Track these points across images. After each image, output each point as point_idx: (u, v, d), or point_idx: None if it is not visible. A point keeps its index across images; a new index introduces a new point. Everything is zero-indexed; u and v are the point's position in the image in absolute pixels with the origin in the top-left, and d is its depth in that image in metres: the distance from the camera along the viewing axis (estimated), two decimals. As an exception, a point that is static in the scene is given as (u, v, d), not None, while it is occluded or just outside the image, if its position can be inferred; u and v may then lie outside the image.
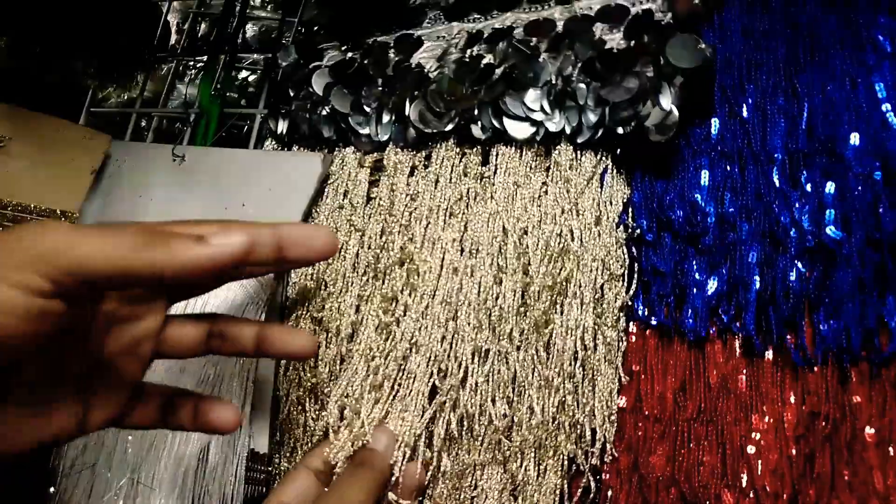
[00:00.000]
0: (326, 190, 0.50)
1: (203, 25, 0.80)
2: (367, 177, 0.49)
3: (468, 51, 0.48)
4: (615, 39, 0.45)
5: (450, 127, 0.46)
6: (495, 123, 0.45)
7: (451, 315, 0.42)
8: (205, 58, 0.69)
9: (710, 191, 0.42)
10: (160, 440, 0.42)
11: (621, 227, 0.43)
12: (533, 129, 0.44)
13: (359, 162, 0.50)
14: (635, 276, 0.42)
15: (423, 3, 0.53)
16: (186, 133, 0.63)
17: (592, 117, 0.43)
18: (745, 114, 0.43)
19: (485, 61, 0.47)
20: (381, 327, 0.44)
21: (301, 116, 0.52)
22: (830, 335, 0.38)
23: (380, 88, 0.49)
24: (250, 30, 0.79)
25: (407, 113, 0.47)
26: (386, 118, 0.49)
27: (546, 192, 0.44)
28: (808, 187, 0.40)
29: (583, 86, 0.43)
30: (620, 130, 0.42)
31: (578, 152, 0.44)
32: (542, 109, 0.44)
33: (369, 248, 0.46)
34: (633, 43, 0.44)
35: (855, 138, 0.41)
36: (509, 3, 0.49)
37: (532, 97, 0.44)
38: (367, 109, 0.49)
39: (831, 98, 0.42)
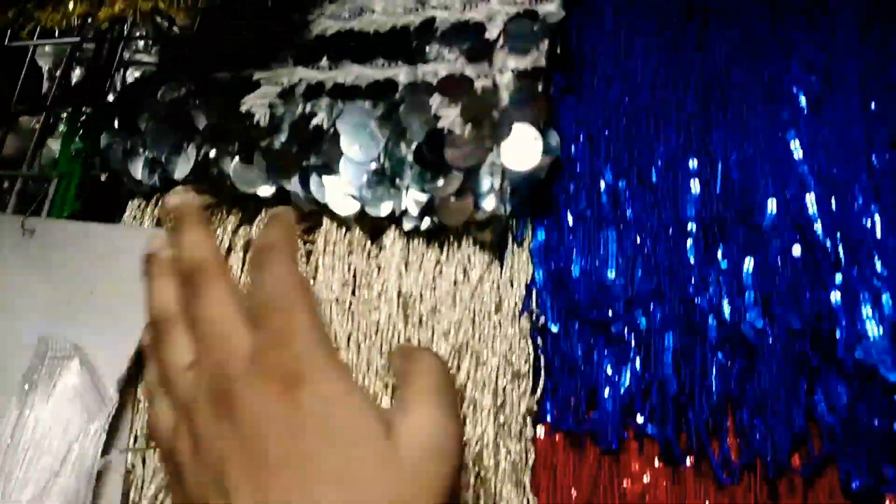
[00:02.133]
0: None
1: (79, 71, 0.71)
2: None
3: (303, 105, 0.42)
4: (451, 117, 0.38)
5: (270, 192, 0.41)
6: (316, 197, 0.40)
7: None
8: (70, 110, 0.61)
9: (618, 269, 0.37)
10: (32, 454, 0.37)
11: (524, 314, 0.38)
12: (359, 206, 0.39)
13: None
14: (542, 372, 0.37)
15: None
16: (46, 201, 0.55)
17: (415, 208, 0.38)
18: (654, 179, 0.39)
19: (315, 121, 0.41)
20: None
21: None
22: (756, 439, 0.33)
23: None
24: (130, 77, 0.70)
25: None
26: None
27: (440, 273, 0.39)
28: (725, 264, 0.36)
29: (409, 169, 0.38)
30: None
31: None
32: (364, 187, 0.39)
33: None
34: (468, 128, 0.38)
35: (772, 205, 0.36)
36: (362, 55, 0.42)
37: (352, 173, 0.39)
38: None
39: (746, 158, 0.38)
